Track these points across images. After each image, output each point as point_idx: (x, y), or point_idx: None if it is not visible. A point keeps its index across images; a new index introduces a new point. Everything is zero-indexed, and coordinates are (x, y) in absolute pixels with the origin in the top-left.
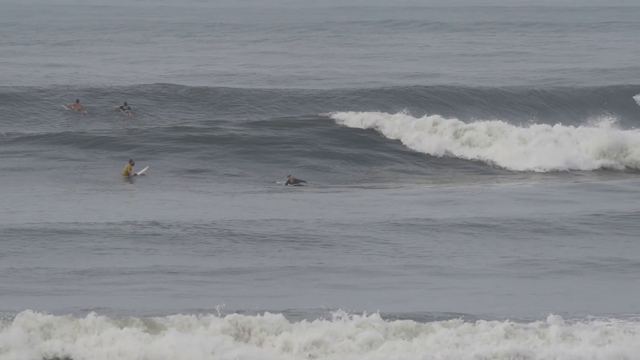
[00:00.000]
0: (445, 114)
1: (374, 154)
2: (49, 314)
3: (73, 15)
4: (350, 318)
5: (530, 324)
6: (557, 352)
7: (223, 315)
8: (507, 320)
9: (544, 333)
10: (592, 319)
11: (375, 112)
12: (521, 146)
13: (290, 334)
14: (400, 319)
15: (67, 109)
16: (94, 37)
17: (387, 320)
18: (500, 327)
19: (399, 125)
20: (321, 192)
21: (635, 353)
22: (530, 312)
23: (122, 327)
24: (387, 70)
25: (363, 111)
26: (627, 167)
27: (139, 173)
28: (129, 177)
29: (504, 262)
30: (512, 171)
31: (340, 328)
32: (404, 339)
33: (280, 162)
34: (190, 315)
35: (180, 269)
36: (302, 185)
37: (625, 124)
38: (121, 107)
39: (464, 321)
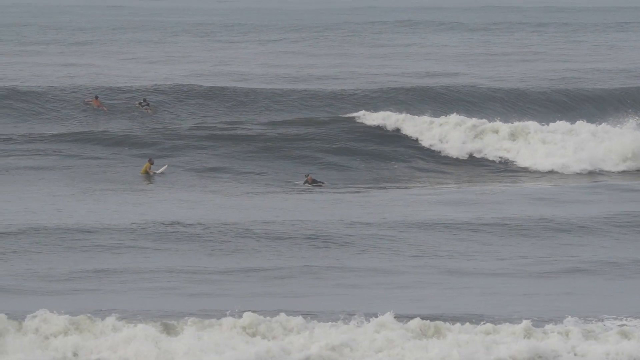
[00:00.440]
0: (466, 113)
1: (394, 152)
2: (65, 314)
3: (92, 16)
4: (368, 320)
5: (550, 325)
6: (577, 352)
7: (240, 316)
8: (529, 320)
9: (565, 333)
10: (612, 319)
11: (396, 112)
12: (544, 146)
13: (308, 335)
14: (421, 318)
15: (85, 103)
16: (113, 37)
17: (405, 320)
18: (519, 327)
19: (420, 124)
20: (340, 192)
21: None
22: (549, 312)
23: (137, 327)
24: (406, 70)
25: (383, 110)
26: None
27: (158, 172)
28: (148, 175)
29: (524, 262)
30: (534, 171)
31: (359, 329)
32: (421, 340)
33: (300, 160)
34: (207, 315)
35: (198, 268)
36: (319, 186)
37: None
38: (140, 103)
39: (484, 322)
